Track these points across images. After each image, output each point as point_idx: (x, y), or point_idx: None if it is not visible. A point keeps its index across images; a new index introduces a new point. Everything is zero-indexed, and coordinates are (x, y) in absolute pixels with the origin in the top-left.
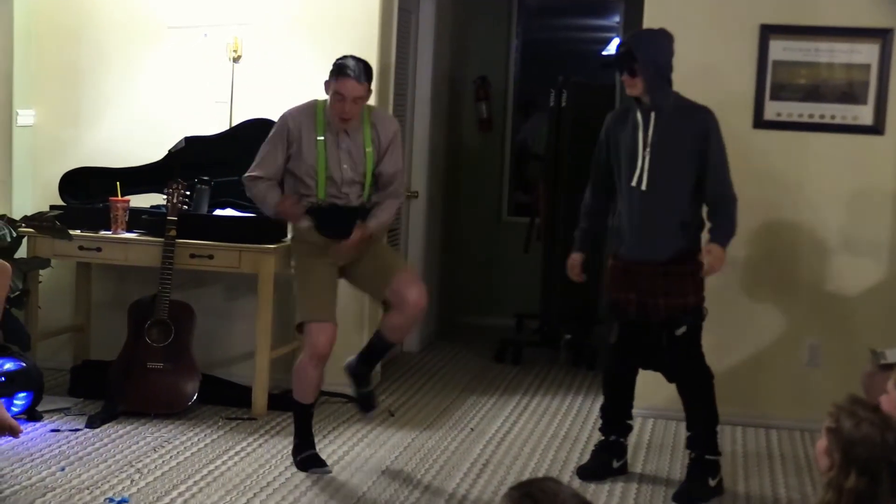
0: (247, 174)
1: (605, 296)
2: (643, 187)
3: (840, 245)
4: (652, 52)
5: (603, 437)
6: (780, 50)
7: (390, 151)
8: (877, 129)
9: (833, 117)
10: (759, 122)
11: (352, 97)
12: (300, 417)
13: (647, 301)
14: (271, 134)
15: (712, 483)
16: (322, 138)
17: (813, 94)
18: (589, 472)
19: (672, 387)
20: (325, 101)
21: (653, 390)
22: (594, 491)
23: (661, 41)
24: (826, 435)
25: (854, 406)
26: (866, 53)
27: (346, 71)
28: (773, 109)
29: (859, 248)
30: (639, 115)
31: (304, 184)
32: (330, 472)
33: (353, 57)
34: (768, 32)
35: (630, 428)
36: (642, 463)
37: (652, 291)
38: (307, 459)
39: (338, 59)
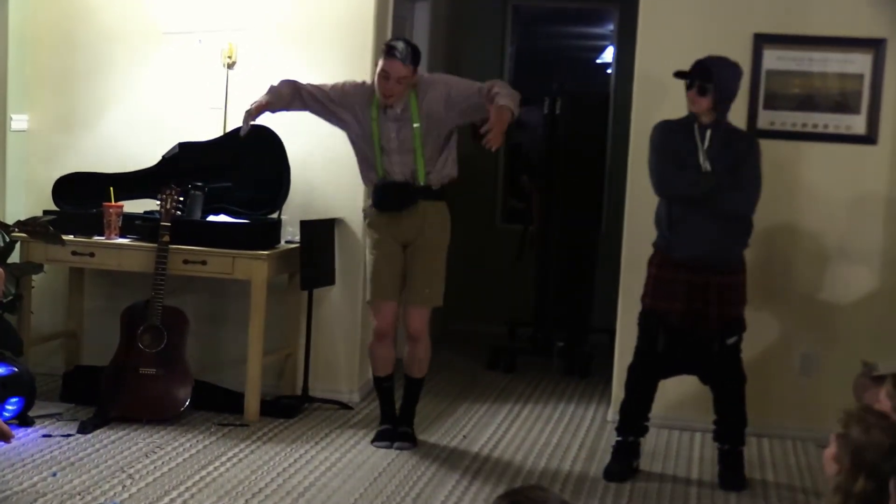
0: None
1: (643, 303)
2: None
3: (833, 254)
4: (726, 77)
5: (620, 439)
6: (773, 59)
7: (461, 89)
8: (870, 138)
9: (826, 127)
10: (753, 131)
11: (396, 77)
12: (377, 391)
13: (696, 310)
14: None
15: (745, 472)
16: (375, 117)
17: (806, 103)
18: (614, 474)
19: (669, 397)
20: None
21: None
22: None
23: (737, 71)
24: (835, 441)
25: (864, 413)
26: (859, 63)
27: (393, 52)
28: (766, 118)
29: (852, 257)
30: (696, 129)
31: (368, 160)
32: (390, 447)
33: (404, 40)
34: (762, 42)
35: (646, 430)
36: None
37: (703, 301)
38: (378, 434)
39: (389, 41)
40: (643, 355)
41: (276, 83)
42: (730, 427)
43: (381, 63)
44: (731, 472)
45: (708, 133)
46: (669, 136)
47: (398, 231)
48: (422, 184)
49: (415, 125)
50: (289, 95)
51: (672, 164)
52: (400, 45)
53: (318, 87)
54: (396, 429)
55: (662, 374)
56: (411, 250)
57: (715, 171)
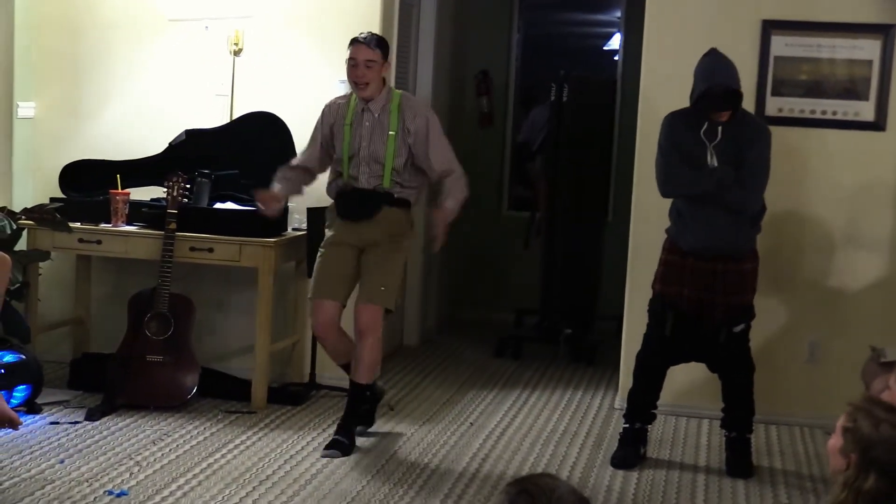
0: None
1: (653, 289)
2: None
3: (841, 242)
4: (737, 81)
5: (627, 425)
6: (781, 46)
7: (432, 136)
8: (878, 125)
9: (835, 113)
10: (761, 118)
11: (363, 60)
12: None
13: (703, 298)
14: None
15: (753, 460)
16: (349, 122)
17: (814, 89)
18: (621, 460)
19: (677, 385)
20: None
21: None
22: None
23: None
24: (841, 434)
25: (872, 406)
26: (868, 49)
27: (356, 39)
28: (774, 105)
29: (860, 244)
30: (707, 124)
31: (337, 164)
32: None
33: (368, 32)
34: (770, 28)
35: (654, 417)
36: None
37: (710, 289)
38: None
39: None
40: (651, 341)
41: (277, 179)
42: (737, 415)
43: (348, 53)
44: (739, 459)
45: (720, 128)
46: (677, 131)
47: (357, 235)
48: (386, 189)
49: (390, 132)
50: (296, 177)
51: (676, 160)
52: (364, 33)
53: (307, 153)
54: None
55: (671, 361)
56: (368, 252)
57: (719, 167)
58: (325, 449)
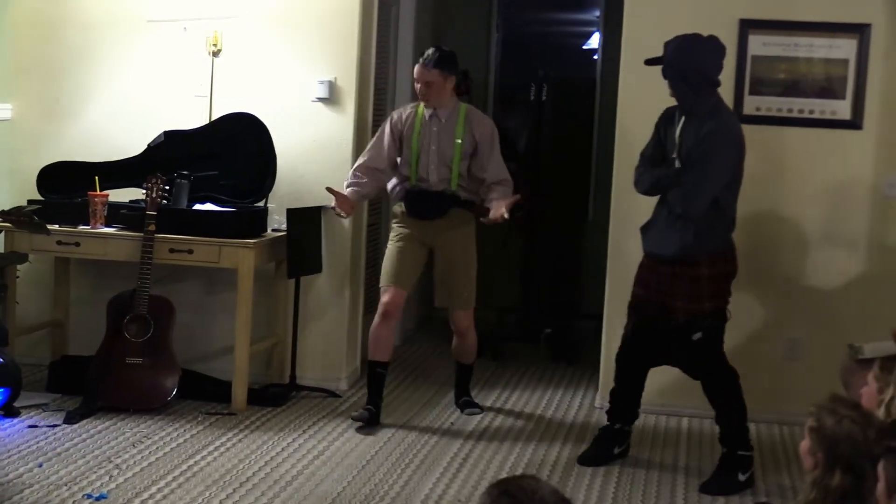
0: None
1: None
2: None
3: (819, 239)
4: (679, 57)
5: (608, 423)
6: (759, 45)
7: (489, 148)
8: (855, 123)
9: (812, 112)
10: (739, 117)
11: (423, 81)
12: (369, 375)
13: (665, 301)
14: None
15: (742, 478)
16: (418, 129)
17: (792, 88)
18: (589, 458)
19: (656, 383)
20: None
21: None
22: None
23: (694, 47)
24: (808, 434)
25: (835, 404)
26: (845, 48)
27: (420, 59)
28: (752, 104)
29: (838, 242)
30: (676, 117)
31: (405, 167)
32: (364, 427)
33: (436, 47)
34: (747, 27)
35: (636, 416)
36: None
37: (669, 292)
38: (360, 414)
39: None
40: (625, 341)
41: (349, 184)
42: (724, 428)
43: (414, 72)
44: (716, 474)
45: (682, 121)
46: (658, 128)
47: (426, 234)
48: (453, 191)
49: (457, 140)
50: (368, 180)
51: (646, 159)
52: (429, 51)
53: (374, 152)
54: (378, 415)
55: (647, 363)
56: (444, 257)
57: (658, 169)
58: (463, 409)
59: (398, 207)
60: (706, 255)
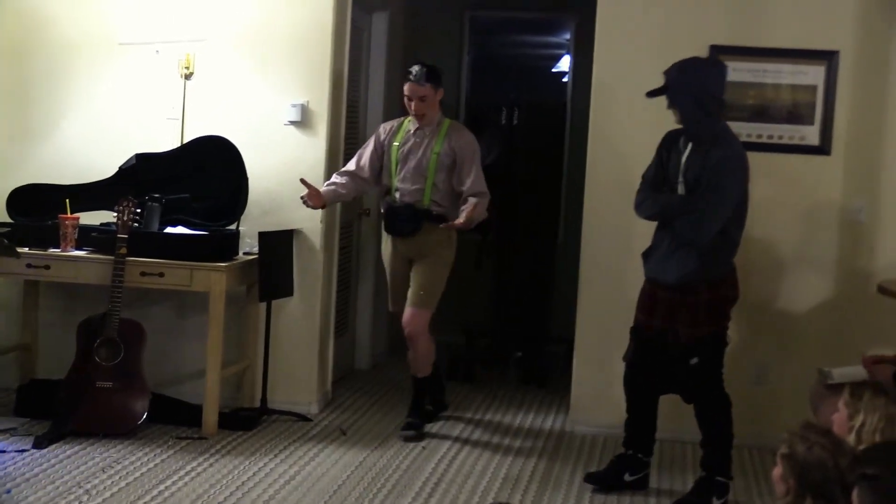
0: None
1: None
2: None
3: (787, 264)
4: (685, 80)
5: (623, 449)
6: (728, 70)
7: (469, 161)
8: (823, 149)
9: (781, 137)
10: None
11: (417, 96)
12: (413, 387)
13: (667, 327)
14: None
15: (716, 503)
16: (398, 142)
17: (761, 114)
18: (596, 478)
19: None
20: None
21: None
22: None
23: (700, 70)
24: (780, 461)
25: (806, 430)
26: (812, 75)
27: (408, 76)
28: None
29: (807, 266)
30: (681, 143)
31: (386, 178)
32: (416, 439)
33: (420, 63)
34: (718, 53)
35: (650, 444)
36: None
37: (671, 318)
38: (405, 424)
39: (409, 67)
40: (628, 366)
41: (327, 183)
42: (708, 453)
43: (404, 89)
44: (689, 496)
45: (689, 147)
46: (661, 151)
47: (405, 248)
48: (425, 206)
49: (434, 152)
50: (346, 183)
51: (649, 183)
52: (415, 68)
53: (356, 162)
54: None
55: (654, 389)
56: (416, 263)
57: (664, 195)
58: (401, 430)
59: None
60: (708, 280)
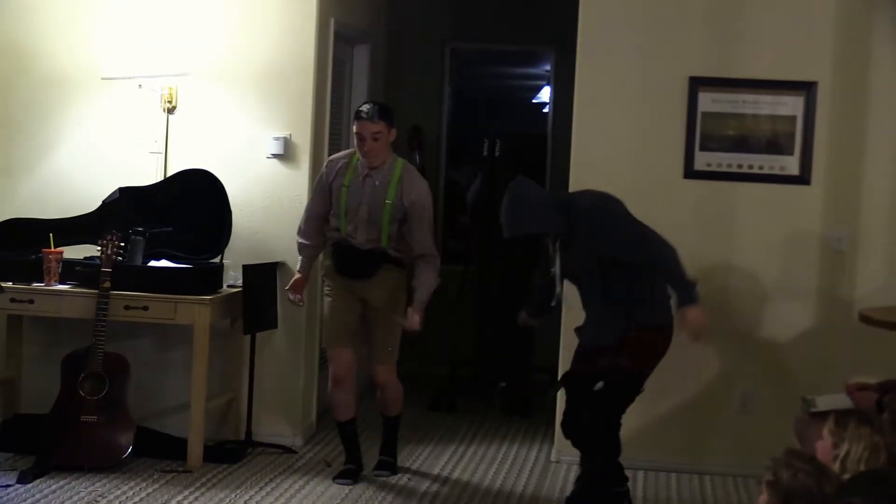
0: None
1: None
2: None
3: (770, 293)
4: (526, 223)
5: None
6: (708, 102)
7: (418, 218)
8: (803, 178)
9: (761, 167)
10: (690, 172)
11: (370, 134)
12: (340, 434)
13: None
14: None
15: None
16: (347, 184)
17: (740, 144)
18: None
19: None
20: None
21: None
22: None
23: (525, 208)
24: (765, 488)
25: (791, 458)
26: (791, 105)
27: (360, 114)
28: (702, 160)
29: (788, 295)
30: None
31: (335, 218)
32: (352, 485)
33: (369, 101)
34: (697, 84)
35: (620, 473)
36: None
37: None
38: (340, 472)
39: (359, 106)
40: (565, 414)
41: (300, 249)
42: (578, 483)
43: (353, 128)
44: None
45: (557, 243)
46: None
47: (355, 287)
48: (383, 248)
49: (387, 201)
50: (314, 245)
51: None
52: (365, 106)
53: (315, 209)
54: (360, 468)
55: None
56: (370, 311)
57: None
58: (375, 470)
59: (328, 261)
60: (641, 324)
